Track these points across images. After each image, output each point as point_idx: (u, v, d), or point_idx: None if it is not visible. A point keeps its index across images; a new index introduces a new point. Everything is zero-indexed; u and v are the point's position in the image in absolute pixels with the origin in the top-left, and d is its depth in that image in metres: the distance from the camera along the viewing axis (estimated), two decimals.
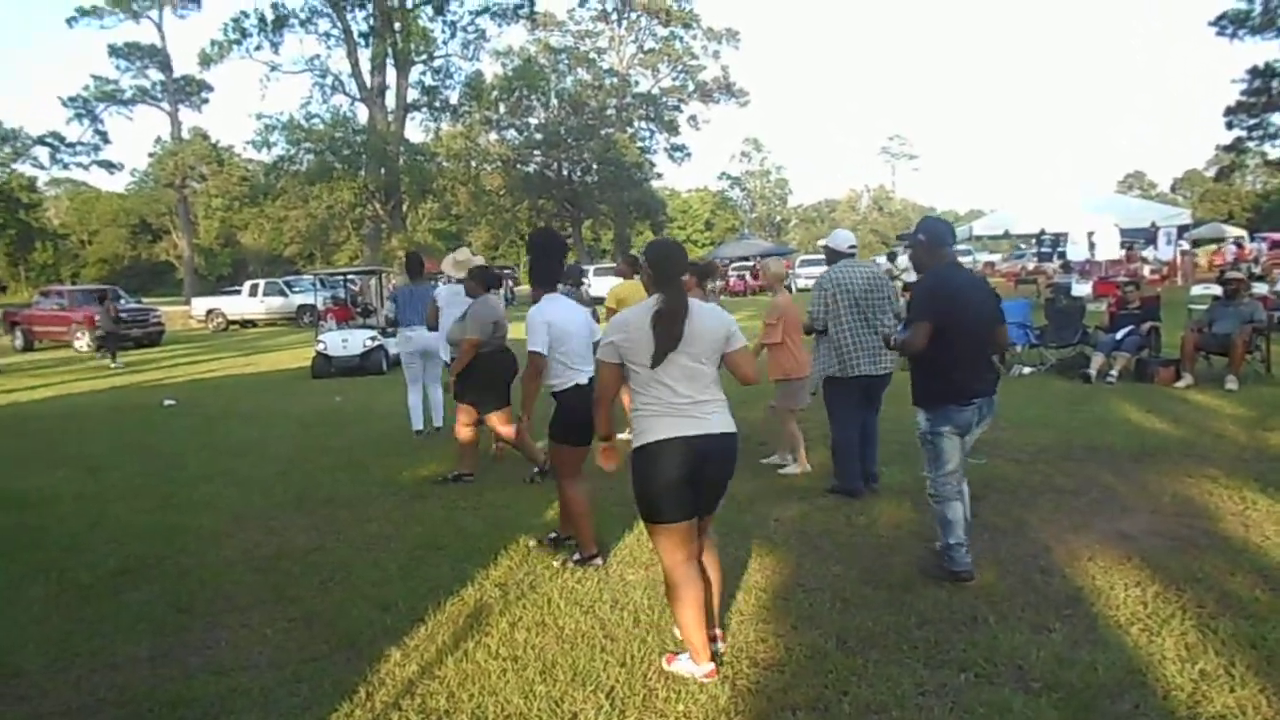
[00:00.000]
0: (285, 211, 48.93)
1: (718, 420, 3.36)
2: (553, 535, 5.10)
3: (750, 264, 37.15)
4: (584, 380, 4.69)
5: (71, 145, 50.86)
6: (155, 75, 50.44)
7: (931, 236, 4.39)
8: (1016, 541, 4.75)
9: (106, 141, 51.55)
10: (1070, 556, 4.48)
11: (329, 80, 41.76)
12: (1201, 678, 3.19)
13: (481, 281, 6.69)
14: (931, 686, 3.22)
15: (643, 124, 55.80)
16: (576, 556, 4.76)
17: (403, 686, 3.42)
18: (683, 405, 3.30)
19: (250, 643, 3.92)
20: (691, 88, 56.11)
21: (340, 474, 7.14)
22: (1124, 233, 22.05)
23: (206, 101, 53.04)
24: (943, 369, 4.20)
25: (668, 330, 3.27)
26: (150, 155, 61.37)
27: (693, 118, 57.03)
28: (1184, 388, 9.25)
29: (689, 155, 57.39)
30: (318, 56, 41.93)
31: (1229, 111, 37.53)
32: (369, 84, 41.28)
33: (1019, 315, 11.91)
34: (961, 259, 22.86)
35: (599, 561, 4.71)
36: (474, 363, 6.38)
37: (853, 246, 6.09)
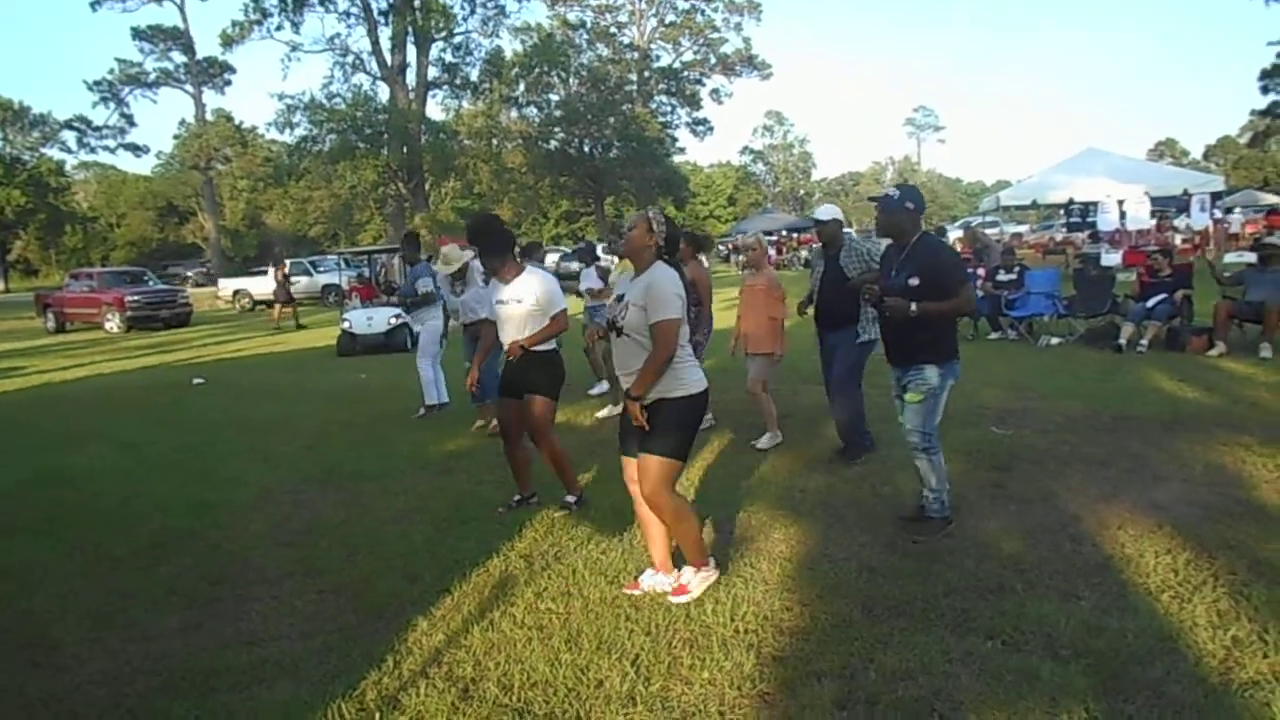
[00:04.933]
0: (309, 192, 49.24)
1: None
2: (518, 498, 5.33)
3: (773, 237, 36.79)
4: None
5: (98, 129, 51.20)
6: (178, 57, 50.48)
7: (920, 204, 4.48)
8: (1045, 511, 4.71)
9: (132, 124, 51.67)
10: (1099, 525, 4.43)
11: (350, 59, 41.84)
12: (1234, 644, 3.15)
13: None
14: (958, 654, 3.20)
15: (664, 98, 55.35)
16: (572, 499, 5.15)
17: (430, 655, 3.46)
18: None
19: (280, 614, 3.98)
20: (713, 61, 55.50)
21: (366, 449, 7.19)
22: (1155, 201, 21.59)
23: (229, 83, 52.98)
24: (952, 326, 4.53)
25: (688, 295, 3.81)
26: (175, 138, 61.79)
27: (715, 91, 56.46)
28: (1217, 356, 9.10)
29: (711, 129, 56.83)
30: (338, 35, 41.73)
31: (1264, 75, 36.67)
32: (389, 62, 41.26)
33: (1048, 285, 11.77)
34: (988, 230, 22.47)
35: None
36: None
37: None
